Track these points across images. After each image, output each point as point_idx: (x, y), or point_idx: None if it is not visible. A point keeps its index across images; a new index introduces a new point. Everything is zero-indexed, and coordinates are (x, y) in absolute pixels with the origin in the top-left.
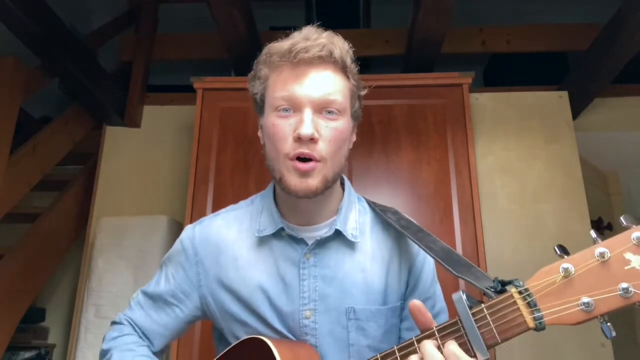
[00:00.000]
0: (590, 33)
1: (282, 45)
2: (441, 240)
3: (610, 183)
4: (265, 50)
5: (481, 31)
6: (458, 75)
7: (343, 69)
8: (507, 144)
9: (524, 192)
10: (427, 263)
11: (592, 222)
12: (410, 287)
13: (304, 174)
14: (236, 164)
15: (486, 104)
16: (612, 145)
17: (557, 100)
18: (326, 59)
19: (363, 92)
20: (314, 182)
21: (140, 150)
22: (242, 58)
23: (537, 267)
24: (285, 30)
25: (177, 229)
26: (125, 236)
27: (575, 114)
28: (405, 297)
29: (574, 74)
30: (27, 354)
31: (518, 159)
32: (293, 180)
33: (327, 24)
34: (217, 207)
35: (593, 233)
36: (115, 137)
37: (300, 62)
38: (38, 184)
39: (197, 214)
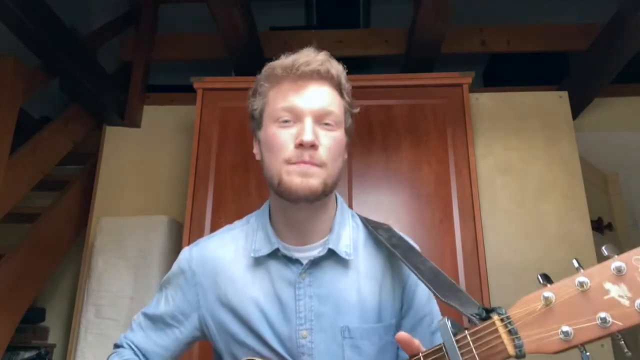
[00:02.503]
0: (590, 33)
1: (283, 60)
2: (442, 239)
3: (610, 183)
4: (267, 67)
5: (481, 31)
6: (458, 75)
7: (338, 87)
8: (507, 144)
9: (524, 192)
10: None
11: (592, 222)
12: (406, 305)
13: (305, 174)
14: (236, 164)
15: (486, 104)
16: (612, 145)
17: (557, 100)
18: (324, 75)
19: (355, 111)
20: (315, 182)
21: (140, 150)
22: (242, 58)
23: (537, 267)
24: (285, 30)
25: (177, 229)
26: (125, 236)
27: (575, 114)
28: (401, 315)
29: (574, 74)
30: (27, 354)
31: (518, 159)
32: (294, 181)
33: (327, 24)
34: (217, 207)
35: (575, 262)
36: (115, 137)
37: (301, 76)
38: (38, 184)
39: (197, 214)
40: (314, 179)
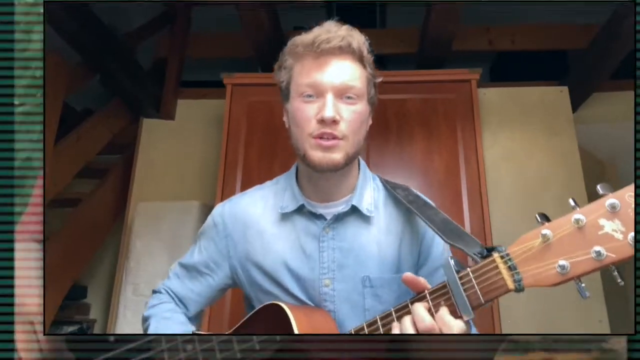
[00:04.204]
0: (589, 33)
1: (306, 37)
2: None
3: (608, 172)
4: (290, 42)
5: (488, 31)
6: (467, 72)
7: (360, 59)
8: (512, 136)
9: (527, 180)
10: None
11: None
12: (423, 257)
13: (327, 149)
14: (262, 153)
15: (493, 98)
16: (609, 137)
17: (558, 95)
18: (345, 49)
19: (378, 80)
20: (337, 156)
21: (174, 141)
22: (268, 56)
23: None
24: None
25: (208, 213)
26: (160, 220)
27: (575, 108)
28: (419, 266)
29: (574, 70)
30: (70, 329)
31: (522, 150)
32: (317, 155)
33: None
34: None
35: (572, 201)
36: (151, 129)
37: (322, 52)
38: (80, 172)
39: (226, 199)
40: (336, 153)
